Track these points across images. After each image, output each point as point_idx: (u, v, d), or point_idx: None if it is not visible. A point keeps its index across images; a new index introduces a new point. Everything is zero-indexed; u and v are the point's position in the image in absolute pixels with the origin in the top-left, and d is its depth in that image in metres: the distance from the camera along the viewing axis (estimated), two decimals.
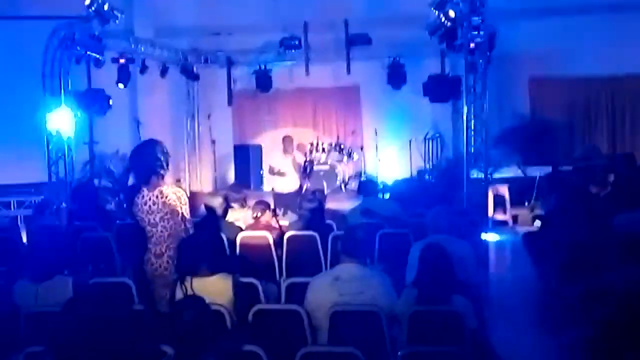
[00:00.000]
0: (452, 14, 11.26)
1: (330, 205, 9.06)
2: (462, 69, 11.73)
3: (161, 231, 5.16)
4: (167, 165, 5.35)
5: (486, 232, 10.53)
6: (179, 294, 4.65)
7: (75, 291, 4.83)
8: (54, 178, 11.66)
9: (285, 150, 12.56)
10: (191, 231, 5.24)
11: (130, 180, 12.17)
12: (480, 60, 11.34)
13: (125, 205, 5.50)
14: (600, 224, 6.61)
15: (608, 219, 6.71)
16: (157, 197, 5.17)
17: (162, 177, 5.31)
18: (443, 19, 11.50)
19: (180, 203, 5.20)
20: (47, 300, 4.76)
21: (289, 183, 11.32)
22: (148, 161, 5.26)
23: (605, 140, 15.39)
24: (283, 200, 10.73)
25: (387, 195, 13.08)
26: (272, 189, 11.29)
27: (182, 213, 5.18)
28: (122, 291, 5.14)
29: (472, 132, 11.65)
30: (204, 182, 16.19)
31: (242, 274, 5.16)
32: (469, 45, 11.20)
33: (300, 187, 14.56)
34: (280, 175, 12.11)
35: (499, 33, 11.80)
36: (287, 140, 12.73)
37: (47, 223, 8.70)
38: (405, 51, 14.61)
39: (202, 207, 7.44)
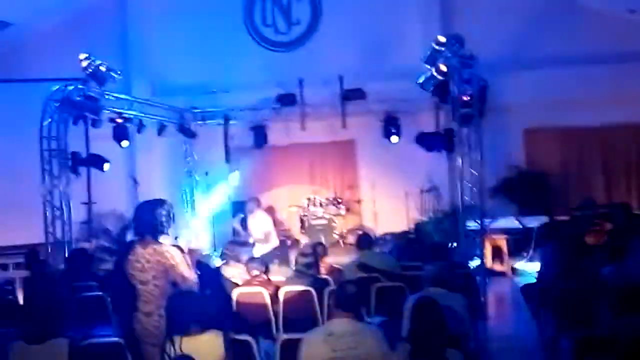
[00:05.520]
0: (443, 68, 11.40)
1: (328, 259, 9.04)
2: (456, 121, 11.83)
3: (152, 290, 5.11)
4: (169, 226, 5.33)
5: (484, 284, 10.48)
6: (170, 353, 4.62)
7: (70, 353, 4.80)
8: (51, 239, 11.64)
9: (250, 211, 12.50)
10: (194, 288, 5.19)
11: (129, 238, 12.19)
12: (474, 113, 11.44)
13: (116, 261, 5.46)
14: (594, 274, 6.62)
15: (602, 268, 6.73)
16: (150, 254, 5.14)
17: (159, 236, 5.28)
18: (435, 73, 11.65)
19: (175, 262, 5.16)
20: None
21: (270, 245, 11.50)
22: (148, 220, 5.26)
23: (601, 189, 15.45)
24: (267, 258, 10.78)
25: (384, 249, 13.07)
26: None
27: (178, 272, 5.13)
28: (115, 352, 5.11)
29: (468, 184, 11.71)
30: (201, 239, 16.17)
31: (238, 331, 5.14)
32: (461, 98, 11.32)
33: (296, 241, 14.58)
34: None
35: (491, 85, 11.93)
36: (250, 203, 12.70)
37: (43, 284, 8.68)
38: (399, 105, 14.75)
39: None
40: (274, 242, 12.08)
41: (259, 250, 11.62)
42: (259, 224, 12.00)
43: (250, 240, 12.30)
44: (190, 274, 5.26)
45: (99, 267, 10.71)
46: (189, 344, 4.61)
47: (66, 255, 11.00)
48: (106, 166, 12.34)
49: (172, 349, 4.63)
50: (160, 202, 5.40)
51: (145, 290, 5.12)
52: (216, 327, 4.79)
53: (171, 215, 5.37)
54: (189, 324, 4.70)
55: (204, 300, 5.16)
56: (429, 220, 14.34)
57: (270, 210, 14.31)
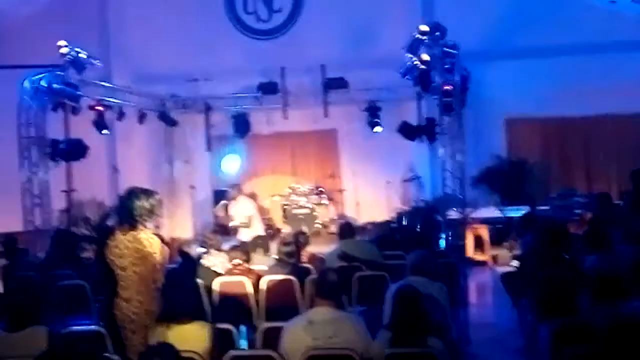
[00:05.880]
0: (425, 57, 11.42)
1: (310, 248, 9.04)
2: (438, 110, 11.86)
3: (130, 276, 5.11)
4: (150, 218, 5.29)
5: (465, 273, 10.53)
6: (153, 341, 4.60)
7: (49, 341, 4.77)
8: (30, 227, 11.54)
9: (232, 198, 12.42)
10: (157, 283, 5.18)
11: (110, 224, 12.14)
12: (455, 102, 11.47)
13: (97, 247, 5.43)
14: (575, 263, 6.66)
15: (582, 257, 6.77)
16: (129, 241, 5.14)
17: (140, 223, 5.25)
18: (416, 62, 11.65)
19: (153, 249, 5.15)
20: (22, 350, 4.70)
21: (253, 230, 11.40)
22: (130, 209, 5.23)
23: (581, 179, 15.55)
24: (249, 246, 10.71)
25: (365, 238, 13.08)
26: (238, 240, 11.22)
27: (154, 260, 5.13)
28: (95, 340, 5.09)
29: (449, 173, 11.74)
30: (183, 228, 16.12)
31: (219, 320, 5.12)
32: (444, 88, 11.34)
33: (278, 230, 14.53)
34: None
35: (473, 75, 11.96)
36: (232, 188, 12.62)
37: (22, 272, 8.59)
38: (381, 94, 14.76)
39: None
40: (258, 228, 12.00)
41: (243, 236, 11.54)
42: (241, 209, 11.93)
43: (233, 226, 12.22)
44: (164, 264, 5.26)
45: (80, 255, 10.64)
46: (175, 332, 4.60)
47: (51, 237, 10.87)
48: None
49: (156, 336, 4.61)
50: (146, 194, 5.34)
51: (124, 276, 5.13)
52: (201, 316, 4.80)
53: (154, 209, 5.32)
54: (182, 313, 4.69)
55: (196, 291, 5.15)
56: (410, 209, 14.36)
57: (252, 197, 14.22)
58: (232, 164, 15.73)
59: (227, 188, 12.78)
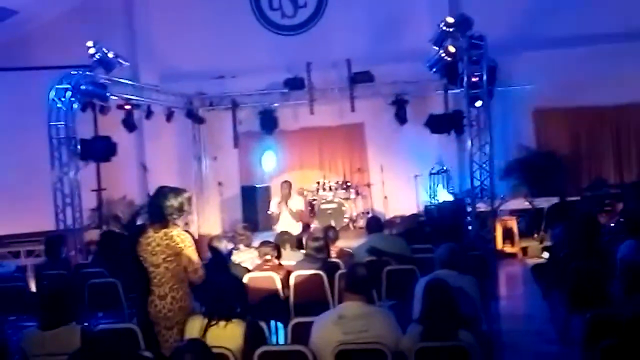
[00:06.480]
0: (451, 49, 11.36)
1: (338, 243, 9.04)
2: (465, 103, 11.80)
3: (164, 272, 5.15)
4: (179, 216, 5.32)
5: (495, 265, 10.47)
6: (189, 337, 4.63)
7: (82, 339, 4.83)
8: (61, 226, 11.67)
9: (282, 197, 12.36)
10: (198, 274, 5.22)
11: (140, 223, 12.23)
12: (483, 94, 11.40)
13: (130, 244, 5.44)
14: (606, 254, 6.60)
15: (614, 248, 6.70)
16: (161, 238, 5.18)
17: (170, 221, 5.29)
18: (443, 55, 11.59)
19: (185, 245, 5.19)
20: (55, 348, 4.77)
21: (294, 227, 11.34)
22: (159, 207, 5.27)
23: (611, 169, 15.35)
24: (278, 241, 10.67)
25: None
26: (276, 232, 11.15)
27: (187, 256, 5.17)
28: (128, 337, 5.13)
29: (477, 166, 11.67)
30: (211, 224, 16.20)
31: (249, 315, 5.14)
32: (470, 80, 11.28)
33: (308, 226, 14.52)
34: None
35: (500, 66, 11.87)
36: (284, 185, 12.57)
37: (55, 271, 8.70)
38: (408, 87, 14.69)
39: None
40: (299, 224, 12.00)
41: (283, 226, 11.43)
42: (294, 204, 11.91)
43: (282, 219, 12.15)
44: (197, 259, 5.29)
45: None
46: (214, 329, 4.63)
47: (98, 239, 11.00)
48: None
49: (196, 332, 4.64)
50: (174, 192, 5.37)
51: (157, 273, 5.17)
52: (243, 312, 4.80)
53: (183, 207, 5.35)
54: (216, 310, 4.71)
55: (234, 285, 5.15)
56: (439, 202, 14.30)
57: (300, 194, 14.13)
58: (270, 160, 15.86)
59: (279, 184, 12.71)
